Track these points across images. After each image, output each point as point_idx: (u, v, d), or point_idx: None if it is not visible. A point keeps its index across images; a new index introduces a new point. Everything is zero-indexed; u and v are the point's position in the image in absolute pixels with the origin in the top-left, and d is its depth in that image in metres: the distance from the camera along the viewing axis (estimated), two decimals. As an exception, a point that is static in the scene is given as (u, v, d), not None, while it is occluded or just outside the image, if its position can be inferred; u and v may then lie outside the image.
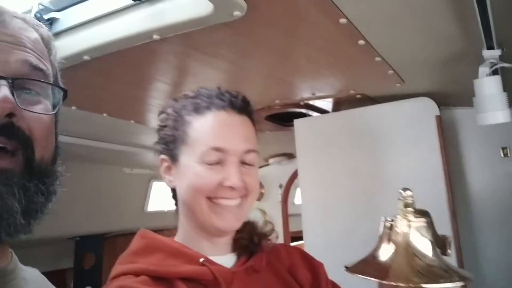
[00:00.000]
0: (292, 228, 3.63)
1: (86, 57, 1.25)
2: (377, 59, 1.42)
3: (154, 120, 2.14)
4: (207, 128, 0.82)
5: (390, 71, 1.56)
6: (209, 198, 0.80)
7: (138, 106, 1.89)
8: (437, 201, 1.74)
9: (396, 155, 1.88)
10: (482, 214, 1.98)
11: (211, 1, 0.97)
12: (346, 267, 0.68)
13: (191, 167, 0.81)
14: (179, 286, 0.75)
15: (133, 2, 1.07)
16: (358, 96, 1.96)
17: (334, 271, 1.99)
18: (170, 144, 0.85)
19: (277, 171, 3.51)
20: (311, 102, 2.17)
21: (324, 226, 2.01)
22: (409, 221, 0.64)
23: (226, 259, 0.85)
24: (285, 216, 3.56)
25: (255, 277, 0.85)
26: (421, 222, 0.65)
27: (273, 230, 0.94)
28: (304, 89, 1.86)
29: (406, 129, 1.87)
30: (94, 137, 2.16)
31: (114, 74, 1.48)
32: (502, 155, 1.97)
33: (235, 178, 0.79)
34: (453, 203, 1.75)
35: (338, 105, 2.21)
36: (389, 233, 0.66)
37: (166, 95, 1.76)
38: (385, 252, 0.64)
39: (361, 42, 1.27)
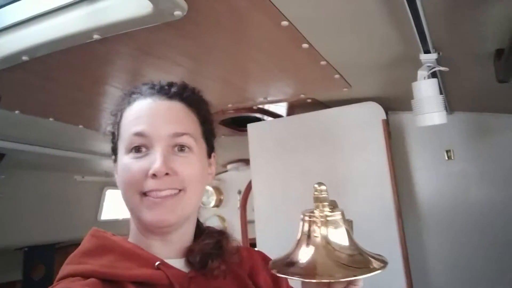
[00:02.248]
0: (252, 234, 3.62)
1: (25, 58, 1.21)
2: (323, 63, 1.45)
3: (104, 125, 2.10)
4: (130, 116, 0.80)
5: (337, 76, 1.60)
6: (142, 194, 0.75)
7: (86, 110, 1.84)
8: (383, 202, 1.80)
9: (346, 158, 1.92)
10: (427, 215, 2.05)
11: (151, 1, 0.97)
12: (272, 268, 0.68)
13: (121, 160, 0.78)
14: None
15: (72, 0, 1.05)
16: (309, 100, 1.99)
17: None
18: (113, 143, 0.84)
19: (235, 177, 3.50)
20: (265, 107, 2.19)
21: (276, 229, 2.02)
22: (326, 216, 0.65)
23: (183, 262, 0.81)
24: (244, 222, 3.54)
25: (214, 283, 0.80)
26: (337, 215, 0.66)
27: (237, 248, 0.88)
28: (256, 93, 1.87)
29: (355, 133, 1.92)
30: (41, 143, 2.09)
31: (58, 76, 1.44)
32: (446, 158, 2.05)
33: (157, 163, 0.74)
34: (399, 204, 1.80)
35: (292, 110, 2.24)
36: (307, 233, 0.66)
37: (116, 98, 1.73)
38: (305, 254, 0.65)
39: (305, 45, 1.29)
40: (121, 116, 0.82)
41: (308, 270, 0.62)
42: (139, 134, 0.76)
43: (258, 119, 2.29)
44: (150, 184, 0.75)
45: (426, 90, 1.29)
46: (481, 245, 1.92)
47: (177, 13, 1.00)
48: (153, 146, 0.76)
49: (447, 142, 2.05)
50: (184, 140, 0.79)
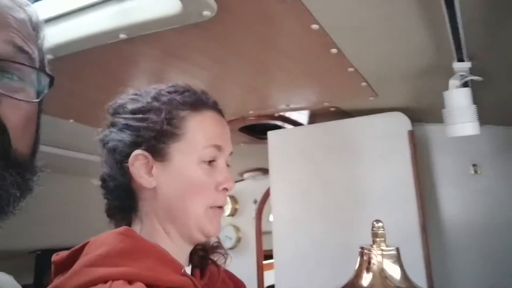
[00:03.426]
0: (267, 246, 3.57)
1: (49, 56, 1.19)
2: (350, 69, 1.41)
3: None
4: (206, 126, 0.81)
5: (363, 83, 1.55)
6: (209, 206, 0.79)
7: (105, 113, 1.83)
8: (408, 215, 1.73)
9: (369, 169, 1.87)
10: (452, 232, 1.98)
11: (180, 0, 0.94)
12: None
13: (189, 168, 0.78)
14: None
15: (99, -1, 1.04)
16: (332, 109, 1.95)
17: (304, 286, 1.95)
18: (155, 139, 0.78)
19: (252, 187, 3.46)
20: (286, 115, 2.16)
21: (295, 240, 1.97)
22: (382, 250, 0.75)
23: (188, 270, 0.81)
24: (259, 233, 3.50)
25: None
26: (392, 251, 0.76)
27: (219, 243, 0.92)
28: (279, 100, 1.84)
29: (379, 144, 1.87)
30: (59, 144, 2.08)
31: (81, 77, 1.43)
32: (473, 172, 1.98)
33: (231, 180, 0.81)
34: (424, 218, 1.74)
35: (313, 119, 2.20)
36: (368, 262, 0.76)
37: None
38: (365, 280, 0.75)
39: (334, 50, 1.25)
40: (181, 118, 0.80)
41: None
42: (217, 147, 0.81)
43: (278, 127, 2.26)
44: (222, 198, 0.81)
45: (458, 100, 1.24)
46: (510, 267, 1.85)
47: (206, 13, 0.98)
48: (219, 160, 0.82)
49: (473, 156, 1.98)
50: (230, 159, 0.86)
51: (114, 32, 1.08)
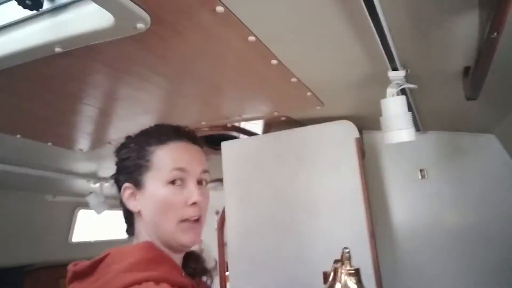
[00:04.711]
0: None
1: (-14, 71, 1.18)
2: (293, 80, 1.44)
3: (77, 143, 2.05)
4: (170, 154, 1.00)
5: (309, 93, 1.59)
6: (180, 220, 0.95)
7: (55, 128, 1.80)
8: (357, 222, 1.76)
9: (319, 177, 1.90)
10: (401, 236, 2.04)
11: (112, 13, 0.95)
12: None
13: (158, 190, 0.97)
14: None
15: (32, 13, 1.02)
16: (283, 118, 1.98)
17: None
18: (135, 172, 1.00)
19: (213, 197, 3.37)
20: (241, 125, 2.17)
21: (249, 249, 1.98)
22: (347, 270, 0.98)
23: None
24: (221, 244, 3.47)
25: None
26: (352, 270, 0.98)
27: (215, 268, 1.14)
28: (231, 110, 1.85)
29: (329, 152, 1.90)
30: (8, 161, 2.03)
31: (23, 91, 1.40)
32: (420, 177, 2.05)
33: (196, 194, 0.96)
34: (372, 223, 1.78)
35: (267, 128, 2.22)
36: (339, 275, 0.98)
37: (86, 115, 1.69)
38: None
39: (274, 61, 1.28)
40: (151, 152, 1.00)
41: None
42: (181, 169, 0.98)
43: (235, 138, 2.27)
44: (190, 211, 0.97)
45: (394, 107, 1.29)
46: (455, 268, 1.91)
47: (140, 26, 0.98)
48: (187, 180, 0.98)
49: (421, 162, 2.06)
50: (206, 176, 1.04)
51: (49, 45, 1.06)
